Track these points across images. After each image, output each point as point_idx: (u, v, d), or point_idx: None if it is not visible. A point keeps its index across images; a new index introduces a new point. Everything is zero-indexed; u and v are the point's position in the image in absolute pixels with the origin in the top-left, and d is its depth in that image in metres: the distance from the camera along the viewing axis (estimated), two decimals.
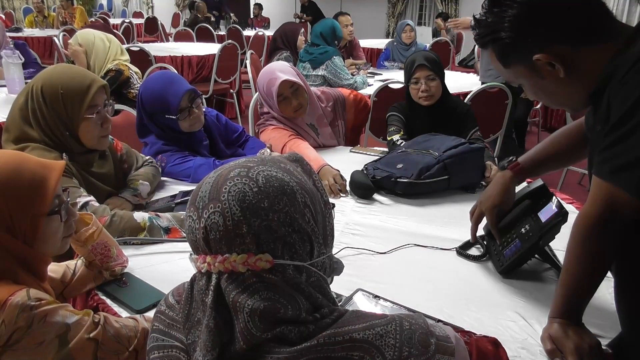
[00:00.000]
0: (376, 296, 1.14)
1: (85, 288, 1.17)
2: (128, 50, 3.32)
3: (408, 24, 5.04)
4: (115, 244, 1.21)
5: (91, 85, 1.46)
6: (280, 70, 2.12)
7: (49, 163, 0.96)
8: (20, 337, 0.83)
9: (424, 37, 5.87)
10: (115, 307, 1.13)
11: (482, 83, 3.65)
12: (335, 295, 1.10)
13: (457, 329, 1.00)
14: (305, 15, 10.23)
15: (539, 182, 1.32)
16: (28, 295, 0.85)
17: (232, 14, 10.15)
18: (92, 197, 1.44)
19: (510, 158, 1.34)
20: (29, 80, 1.64)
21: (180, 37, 7.50)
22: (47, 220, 0.94)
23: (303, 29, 4.48)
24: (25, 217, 0.90)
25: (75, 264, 1.18)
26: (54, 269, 1.14)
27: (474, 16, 1.06)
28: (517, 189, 1.36)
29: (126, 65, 2.98)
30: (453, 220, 1.59)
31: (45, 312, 0.85)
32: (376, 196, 1.77)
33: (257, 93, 2.38)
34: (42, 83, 1.43)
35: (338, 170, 1.85)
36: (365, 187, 1.75)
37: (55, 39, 5.96)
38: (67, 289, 1.15)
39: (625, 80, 0.87)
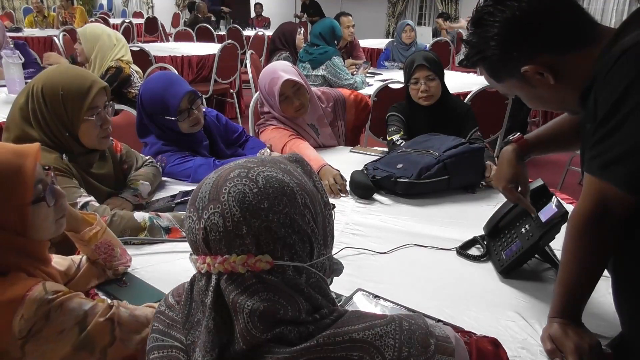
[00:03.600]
0: (376, 296, 1.14)
1: (88, 285, 1.17)
2: None
3: (408, 24, 5.04)
4: (119, 243, 1.22)
5: (91, 87, 1.46)
6: (283, 69, 2.12)
7: (21, 149, 0.91)
8: (40, 328, 0.85)
9: (424, 37, 5.87)
10: None
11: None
12: (335, 295, 1.11)
13: (457, 329, 1.00)
14: (306, 15, 10.21)
15: (539, 182, 1.32)
16: (45, 289, 0.87)
17: (227, 15, 10.14)
18: (92, 197, 1.44)
19: (515, 133, 1.33)
20: (29, 80, 1.64)
21: (180, 37, 7.50)
22: (34, 209, 0.91)
23: (303, 29, 4.48)
24: (10, 210, 0.87)
25: (80, 259, 1.19)
26: (59, 262, 1.14)
27: (461, 39, 1.08)
28: None
29: (127, 64, 2.98)
30: (453, 220, 1.59)
31: (62, 301, 0.87)
32: (376, 196, 1.77)
33: (257, 93, 2.38)
34: (42, 83, 1.43)
35: (338, 170, 1.86)
36: (365, 187, 1.75)
37: (55, 39, 5.97)
38: (71, 283, 1.15)
39: (608, 77, 0.89)
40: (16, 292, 0.84)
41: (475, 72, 4.73)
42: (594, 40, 0.96)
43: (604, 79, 0.89)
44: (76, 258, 1.19)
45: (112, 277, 1.20)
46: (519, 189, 1.28)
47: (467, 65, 1.12)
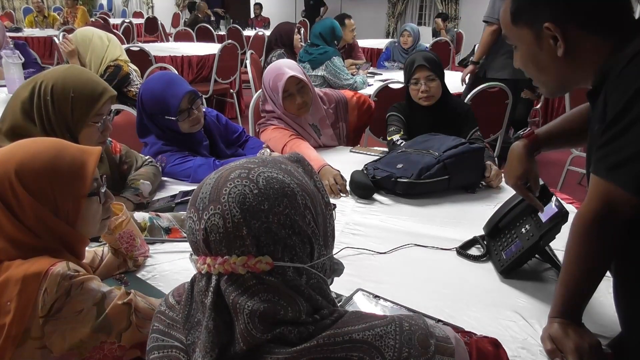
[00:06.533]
0: (376, 296, 1.14)
1: (110, 275, 1.23)
2: (128, 50, 3.34)
3: (406, 30, 5.01)
4: (139, 234, 1.27)
5: (102, 94, 1.46)
6: (288, 66, 2.13)
7: (86, 148, 1.01)
8: (61, 305, 0.87)
9: (424, 37, 5.86)
10: None
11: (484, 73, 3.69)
12: (335, 296, 1.11)
13: (457, 329, 1.00)
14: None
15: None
16: (68, 266, 0.90)
17: (225, 15, 10.15)
18: None
19: (525, 128, 1.32)
20: None
21: (180, 37, 7.51)
22: (88, 202, 0.99)
23: (302, 28, 4.47)
24: (68, 198, 0.95)
25: (103, 251, 1.24)
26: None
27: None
28: None
29: (125, 63, 3.00)
30: (453, 220, 1.59)
31: (82, 280, 0.90)
32: (376, 196, 1.77)
33: (258, 92, 2.37)
34: (53, 82, 1.42)
35: (338, 171, 1.86)
36: (365, 187, 1.75)
37: (55, 39, 5.96)
38: (95, 273, 1.17)
39: (620, 78, 0.88)
40: (41, 266, 0.88)
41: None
42: (623, 33, 0.93)
43: (616, 79, 0.89)
44: (99, 250, 1.25)
45: (132, 268, 1.26)
46: (528, 184, 1.27)
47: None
